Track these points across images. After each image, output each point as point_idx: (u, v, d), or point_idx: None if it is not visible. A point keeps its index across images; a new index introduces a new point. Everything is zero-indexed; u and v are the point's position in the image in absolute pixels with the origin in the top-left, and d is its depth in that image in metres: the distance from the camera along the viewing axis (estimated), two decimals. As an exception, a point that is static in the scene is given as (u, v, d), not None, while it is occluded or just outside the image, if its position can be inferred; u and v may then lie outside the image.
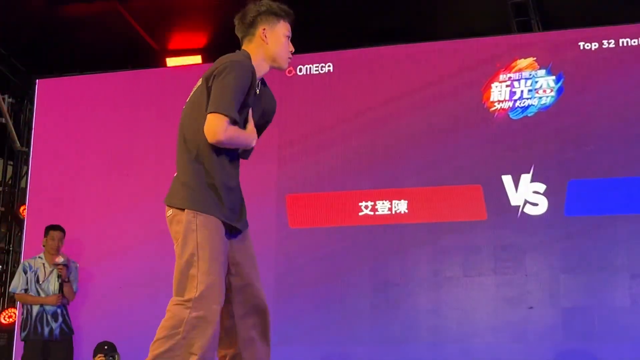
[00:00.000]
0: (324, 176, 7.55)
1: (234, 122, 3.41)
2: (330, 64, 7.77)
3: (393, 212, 7.35)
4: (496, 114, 7.29)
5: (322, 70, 7.78)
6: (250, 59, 3.59)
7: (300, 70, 7.83)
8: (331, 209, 7.52)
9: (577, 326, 6.80)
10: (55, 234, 7.23)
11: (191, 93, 3.65)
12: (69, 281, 7.10)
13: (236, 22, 3.74)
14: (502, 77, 7.34)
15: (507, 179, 7.15)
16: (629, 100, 7.03)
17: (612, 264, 6.82)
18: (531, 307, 6.92)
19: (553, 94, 7.19)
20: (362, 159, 7.47)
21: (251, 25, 3.67)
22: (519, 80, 7.30)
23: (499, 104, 7.30)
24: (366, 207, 7.39)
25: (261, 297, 3.66)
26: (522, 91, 7.27)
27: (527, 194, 7.09)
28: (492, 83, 7.35)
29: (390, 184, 7.42)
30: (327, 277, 7.36)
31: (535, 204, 7.06)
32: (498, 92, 7.32)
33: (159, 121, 8.10)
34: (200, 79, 3.57)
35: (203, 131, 3.42)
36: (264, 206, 7.52)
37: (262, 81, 3.77)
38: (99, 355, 6.95)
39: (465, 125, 7.35)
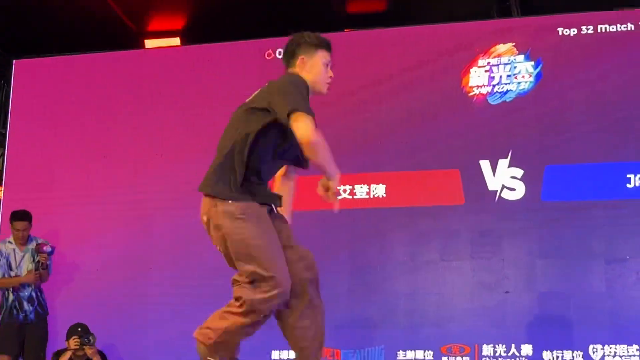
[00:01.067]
0: (302, 160, 7.54)
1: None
2: (310, 47, 7.74)
3: (371, 196, 7.37)
4: (475, 99, 7.31)
5: (301, 53, 7.75)
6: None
7: (280, 53, 7.80)
8: (309, 192, 7.49)
9: (553, 311, 6.86)
10: (18, 225, 7.08)
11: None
12: (47, 267, 7.08)
13: (282, 54, 4.05)
14: (481, 62, 7.35)
15: (484, 164, 7.18)
16: (607, 87, 7.07)
17: (588, 249, 6.87)
18: (507, 292, 6.97)
19: (531, 79, 7.22)
20: (340, 143, 7.42)
21: (292, 56, 3.98)
22: (497, 65, 7.32)
23: (477, 89, 7.32)
24: (344, 190, 7.39)
25: None
26: (500, 76, 7.29)
27: (504, 179, 7.13)
28: (471, 68, 7.36)
29: (368, 168, 7.43)
30: (305, 260, 7.36)
31: (513, 189, 7.10)
32: (477, 77, 7.33)
33: (137, 103, 8.07)
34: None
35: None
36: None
37: None
38: (73, 337, 6.93)
39: (444, 110, 7.36)
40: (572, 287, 6.84)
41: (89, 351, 6.92)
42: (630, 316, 6.71)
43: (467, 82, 7.35)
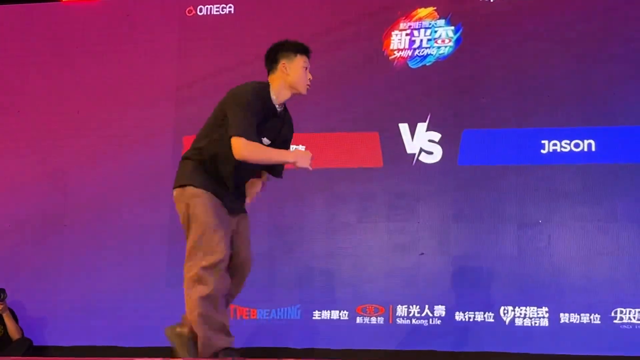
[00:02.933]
0: (222, 119, 7.47)
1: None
2: (232, 5, 7.67)
3: (290, 157, 7.35)
4: (395, 62, 7.34)
5: (222, 11, 7.68)
6: (267, 86, 4.48)
7: (201, 10, 7.70)
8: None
9: (466, 273, 6.98)
10: None
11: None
12: None
13: (264, 59, 4.58)
14: (402, 25, 7.38)
15: (403, 127, 7.23)
16: (524, 54, 7.17)
17: (501, 213, 6.99)
18: (422, 254, 7.07)
19: (451, 44, 7.28)
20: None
21: (273, 61, 4.53)
22: (418, 29, 7.35)
23: (398, 52, 7.34)
24: (264, 151, 7.35)
25: None
26: (421, 40, 7.33)
27: (422, 143, 7.19)
28: (393, 31, 7.38)
29: (288, 129, 7.40)
30: (223, 220, 7.32)
31: (430, 153, 7.17)
32: (398, 41, 7.36)
33: (53, 58, 7.89)
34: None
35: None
36: (160, 147, 7.42)
37: (284, 106, 4.62)
38: None
39: (365, 73, 7.38)
40: (485, 250, 6.97)
41: (-1, 306, 6.81)
42: (541, 279, 6.87)
43: (389, 45, 7.37)
